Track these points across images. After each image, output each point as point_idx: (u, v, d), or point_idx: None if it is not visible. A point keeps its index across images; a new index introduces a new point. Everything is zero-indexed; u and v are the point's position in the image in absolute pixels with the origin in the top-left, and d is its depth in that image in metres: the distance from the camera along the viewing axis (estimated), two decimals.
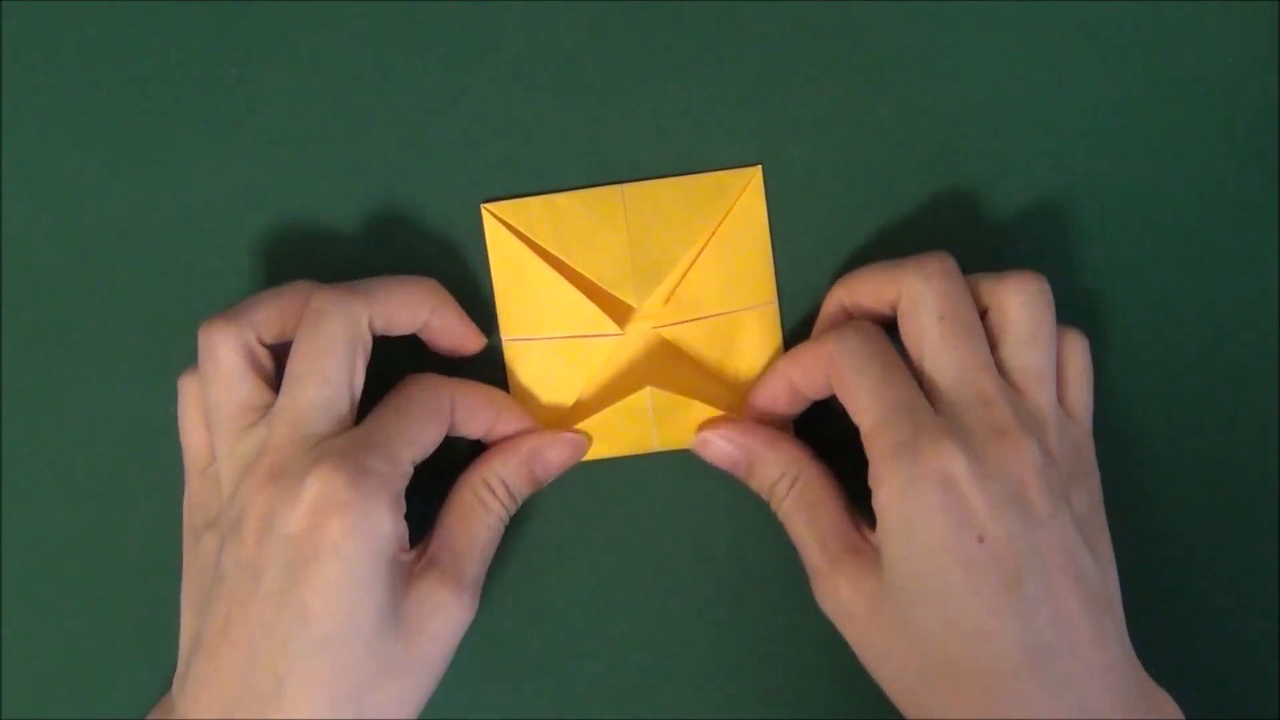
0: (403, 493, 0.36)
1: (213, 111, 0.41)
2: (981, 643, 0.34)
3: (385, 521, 0.35)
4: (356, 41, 0.41)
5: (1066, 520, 0.36)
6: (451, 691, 0.41)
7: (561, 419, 0.42)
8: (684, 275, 0.42)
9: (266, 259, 0.41)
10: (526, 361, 0.42)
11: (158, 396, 0.41)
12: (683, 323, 0.42)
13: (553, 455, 0.40)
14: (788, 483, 0.39)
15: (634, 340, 0.42)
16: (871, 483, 0.36)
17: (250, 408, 0.37)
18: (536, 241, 0.41)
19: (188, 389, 0.39)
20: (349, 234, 0.42)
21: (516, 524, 0.42)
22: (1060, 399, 0.39)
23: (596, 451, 0.42)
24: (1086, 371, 0.39)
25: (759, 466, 0.40)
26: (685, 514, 0.42)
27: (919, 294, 0.37)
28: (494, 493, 0.39)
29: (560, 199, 0.41)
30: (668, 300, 0.42)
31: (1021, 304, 0.38)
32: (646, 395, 0.41)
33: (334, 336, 0.36)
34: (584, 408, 0.42)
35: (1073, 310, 0.42)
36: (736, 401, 0.42)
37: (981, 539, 0.34)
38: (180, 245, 0.41)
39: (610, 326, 0.41)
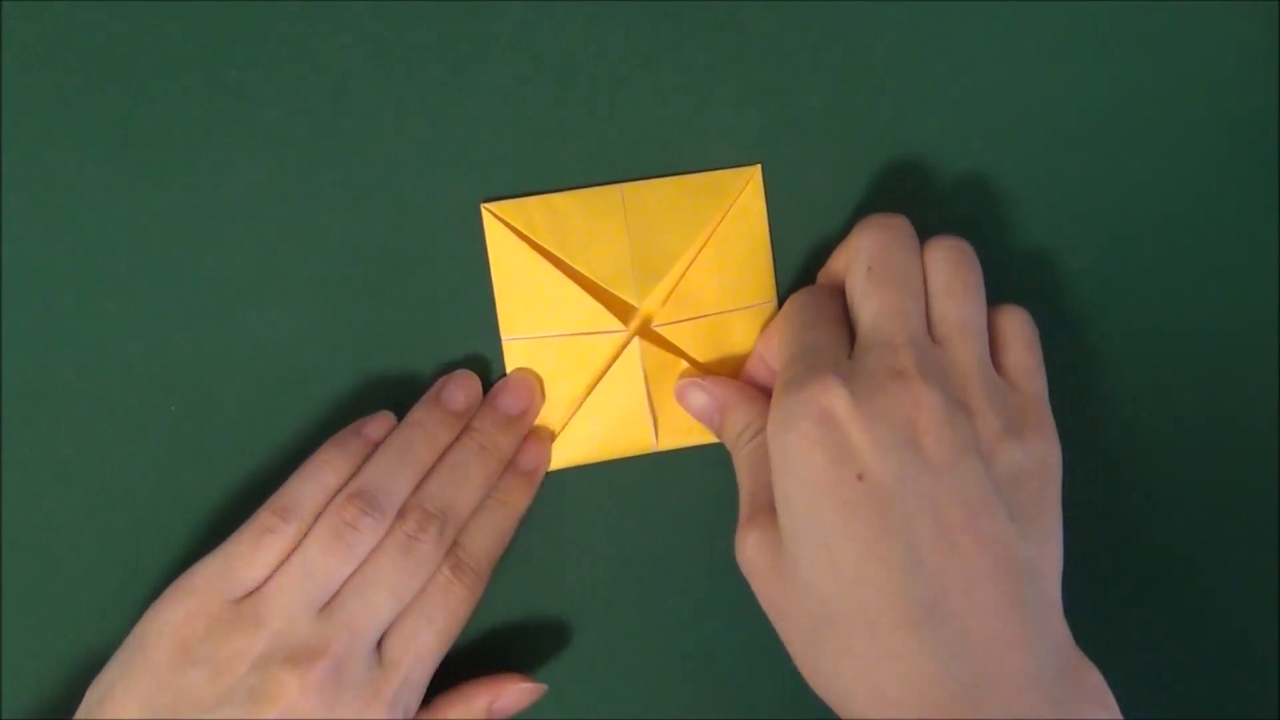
0: None
1: (213, 111, 0.41)
2: (862, 593, 0.33)
3: None
4: (356, 41, 0.41)
5: (973, 475, 0.34)
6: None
7: (561, 418, 0.42)
8: (684, 274, 0.42)
9: (266, 259, 0.41)
10: (526, 360, 0.42)
11: (158, 396, 0.41)
12: (682, 321, 0.42)
13: (507, 703, 0.40)
14: (750, 433, 0.39)
15: (633, 341, 0.42)
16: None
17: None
18: (536, 241, 0.41)
19: (326, 465, 0.39)
20: (349, 234, 0.42)
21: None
22: (999, 365, 0.38)
23: (597, 453, 0.42)
24: (1026, 338, 0.38)
25: (729, 416, 0.40)
26: (685, 514, 0.42)
27: (856, 246, 0.38)
28: None
29: (560, 198, 0.41)
30: (667, 299, 0.41)
31: (939, 258, 0.38)
32: (636, 348, 0.41)
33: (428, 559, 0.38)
34: (584, 406, 0.42)
35: (1073, 310, 0.42)
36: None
37: (861, 477, 0.33)
38: (180, 245, 0.41)
39: (611, 323, 0.41)
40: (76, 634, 0.41)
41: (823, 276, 0.41)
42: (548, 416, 0.42)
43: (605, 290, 0.41)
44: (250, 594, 0.37)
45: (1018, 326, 0.38)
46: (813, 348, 0.36)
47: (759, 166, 0.42)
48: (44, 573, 0.41)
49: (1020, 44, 0.42)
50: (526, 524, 0.42)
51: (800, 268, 0.42)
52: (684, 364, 0.42)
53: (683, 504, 0.42)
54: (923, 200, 0.42)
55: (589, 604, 0.42)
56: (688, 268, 0.42)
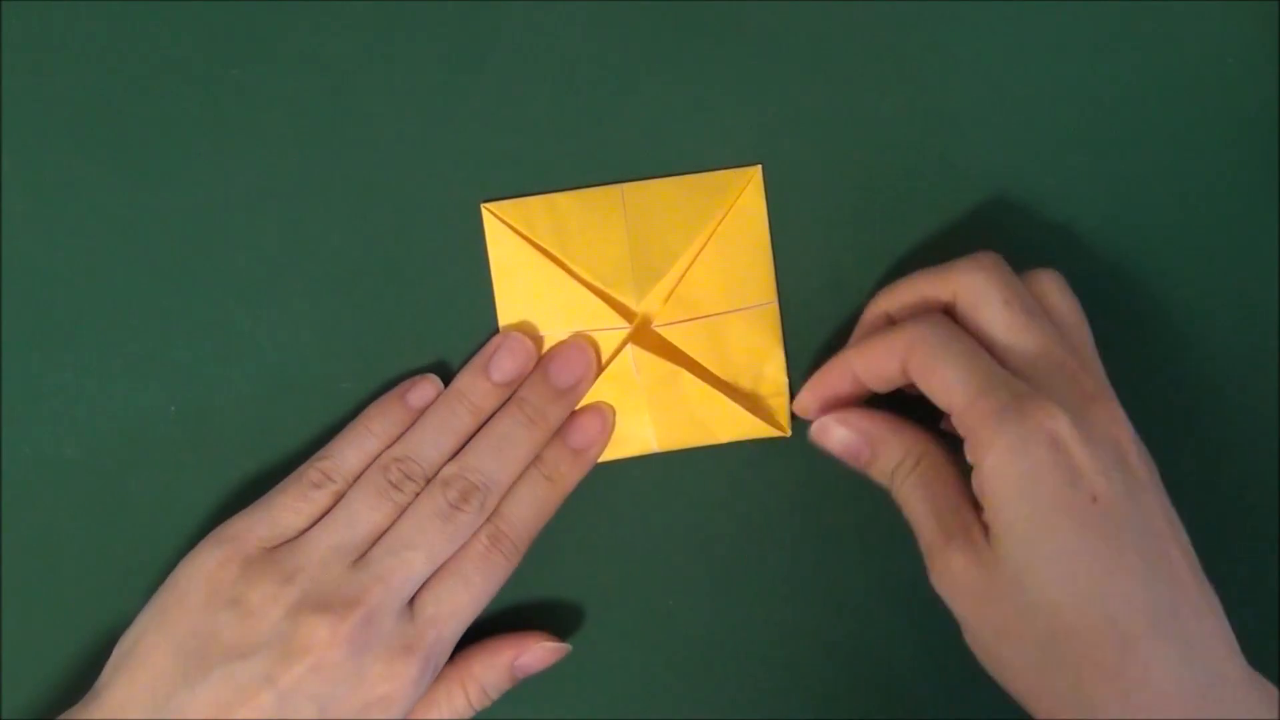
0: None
1: (213, 111, 0.41)
2: (1107, 605, 0.33)
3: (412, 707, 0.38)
4: (356, 41, 0.41)
5: (1162, 487, 0.36)
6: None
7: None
8: (684, 274, 0.42)
9: (267, 259, 0.41)
10: None
11: (158, 396, 0.41)
12: (682, 322, 0.42)
13: (531, 660, 0.41)
14: (911, 463, 0.38)
15: (633, 339, 0.42)
16: (973, 454, 0.35)
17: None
18: (536, 241, 0.41)
19: (368, 432, 0.40)
20: (349, 234, 0.42)
21: None
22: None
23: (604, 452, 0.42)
24: (1080, 313, 0.39)
25: (882, 450, 0.39)
26: (685, 514, 0.42)
27: (981, 286, 0.37)
28: (468, 696, 0.40)
29: (560, 198, 0.41)
30: (667, 299, 0.42)
31: (1058, 293, 0.39)
32: (634, 349, 0.41)
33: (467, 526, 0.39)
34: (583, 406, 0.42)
35: None
36: (736, 399, 0.42)
37: (1095, 499, 0.34)
38: (180, 245, 0.41)
39: (611, 323, 0.41)
40: (76, 634, 0.41)
41: (872, 314, 0.40)
42: None
43: (605, 291, 0.41)
44: (286, 543, 0.38)
45: (1066, 300, 0.39)
46: (1001, 377, 0.36)
47: (759, 167, 0.42)
48: (44, 572, 0.41)
49: (1021, 44, 0.42)
50: None
51: (800, 268, 0.42)
52: (683, 364, 0.42)
53: (682, 504, 0.42)
54: (922, 200, 0.42)
55: (589, 604, 0.42)
56: (688, 268, 0.42)
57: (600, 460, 0.42)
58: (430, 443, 0.39)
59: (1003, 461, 0.35)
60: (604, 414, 0.41)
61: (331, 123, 0.41)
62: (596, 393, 0.42)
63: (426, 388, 0.40)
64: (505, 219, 0.41)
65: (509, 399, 0.40)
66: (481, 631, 0.41)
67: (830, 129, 0.42)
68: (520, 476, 0.40)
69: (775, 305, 0.42)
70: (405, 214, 0.42)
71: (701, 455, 0.42)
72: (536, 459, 0.40)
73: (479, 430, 0.40)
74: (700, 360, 0.42)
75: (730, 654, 0.42)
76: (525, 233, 0.41)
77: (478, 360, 0.41)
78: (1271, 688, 0.35)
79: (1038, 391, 0.35)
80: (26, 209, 0.41)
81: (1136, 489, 0.35)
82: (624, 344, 0.41)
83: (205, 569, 0.37)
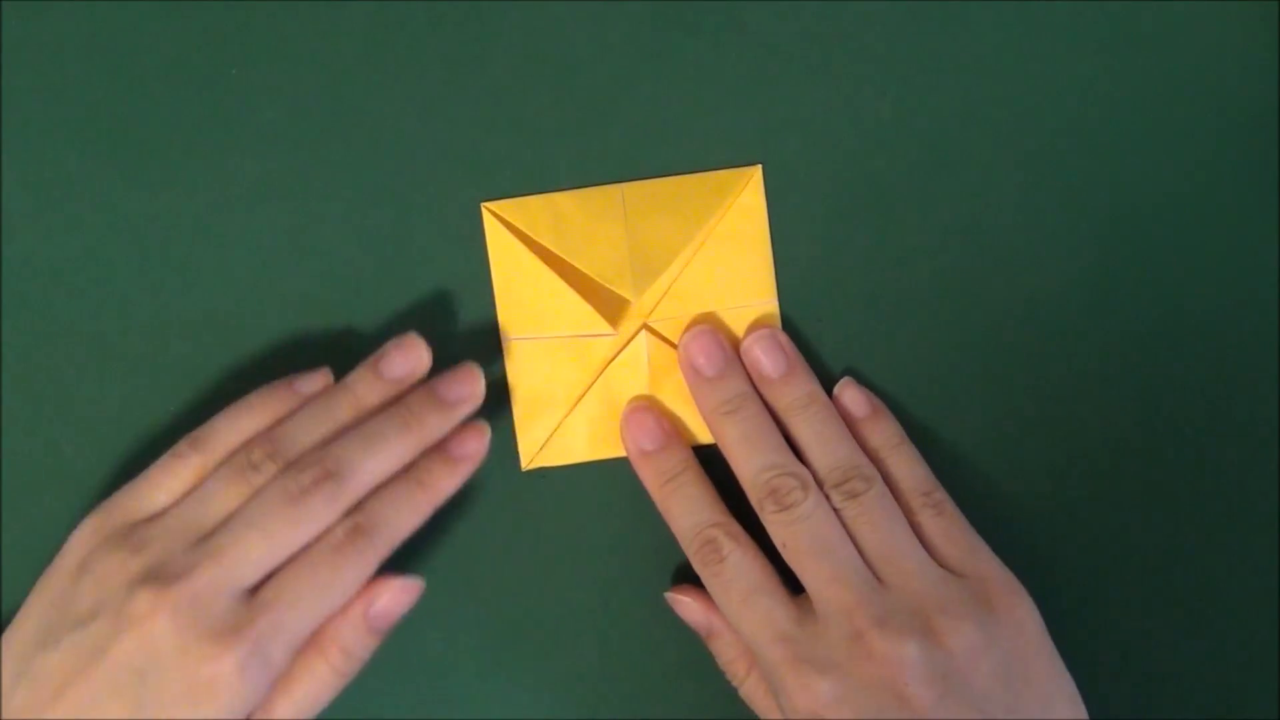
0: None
1: (213, 111, 0.41)
2: None
3: (250, 704, 0.36)
4: (356, 41, 0.41)
5: (961, 702, 0.36)
6: (452, 691, 0.41)
7: (560, 416, 0.42)
8: (683, 274, 0.42)
9: (267, 259, 0.41)
10: (527, 360, 0.42)
11: (158, 396, 0.41)
12: (682, 320, 0.42)
13: (385, 605, 0.38)
14: (744, 667, 0.41)
15: (636, 339, 0.42)
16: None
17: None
18: (537, 240, 0.41)
19: (248, 409, 0.39)
20: (349, 234, 0.42)
21: (516, 525, 0.42)
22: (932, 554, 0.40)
23: (596, 452, 0.42)
24: (955, 521, 0.40)
25: (718, 641, 0.41)
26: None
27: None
28: (329, 661, 0.37)
29: (560, 198, 0.41)
30: (667, 299, 0.42)
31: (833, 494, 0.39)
32: (636, 347, 0.41)
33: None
34: (584, 405, 0.42)
35: (1073, 310, 0.42)
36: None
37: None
38: (180, 245, 0.41)
39: (612, 322, 0.41)
40: None
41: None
42: (548, 415, 0.42)
43: (605, 288, 0.41)
44: (148, 517, 0.38)
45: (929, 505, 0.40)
46: (782, 630, 0.37)
47: (759, 166, 0.42)
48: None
49: (1020, 44, 0.42)
50: (526, 524, 0.42)
51: (800, 268, 0.42)
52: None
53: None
54: (922, 200, 0.42)
55: (588, 603, 0.42)
56: (687, 267, 0.42)
57: (600, 460, 0.42)
58: (303, 429, 0.38)
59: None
60: (483, 431, 0.40)
61: (331, 123, 0.41)
62: (597, 390, 0.42)
63: (316, 378, 0.40)
64: (505, 218, 0.41)
65: (391, 401, 0.39)
66: (479, 637, 0.41)
67: (830, 129, 0.42)
68: (395, 478, 0.38)
69: (775, 305, 0.42)
70: (405, 214, 0.42)
71: (701, 455, 0.42)
72: (414, 465, 0.39)
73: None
74: None
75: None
76: (525, 232, 0.41)
77: (371, 358, 0.40)
78: None
79: (803, 655, 0.37)
80: (26, 209, 0.41)
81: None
82: (625, 344, 0.41)
83: (79, 537, 0.38)
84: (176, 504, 0.38)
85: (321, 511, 0.37)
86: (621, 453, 0.42)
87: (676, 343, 0.42)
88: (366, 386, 0.39)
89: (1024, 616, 0.38)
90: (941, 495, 0.40)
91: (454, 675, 0.42)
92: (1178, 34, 0.42)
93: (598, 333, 0.41)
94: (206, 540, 0.37)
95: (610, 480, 0.42)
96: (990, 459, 0.42)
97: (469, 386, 0.40)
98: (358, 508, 0.37)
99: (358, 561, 0.37)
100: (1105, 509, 0.42)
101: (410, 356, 0.40)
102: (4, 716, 0.36)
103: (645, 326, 0.42)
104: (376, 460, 0.38)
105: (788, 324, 0.42)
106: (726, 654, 0.41)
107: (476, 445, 0.40)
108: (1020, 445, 0.42)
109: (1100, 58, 0.42)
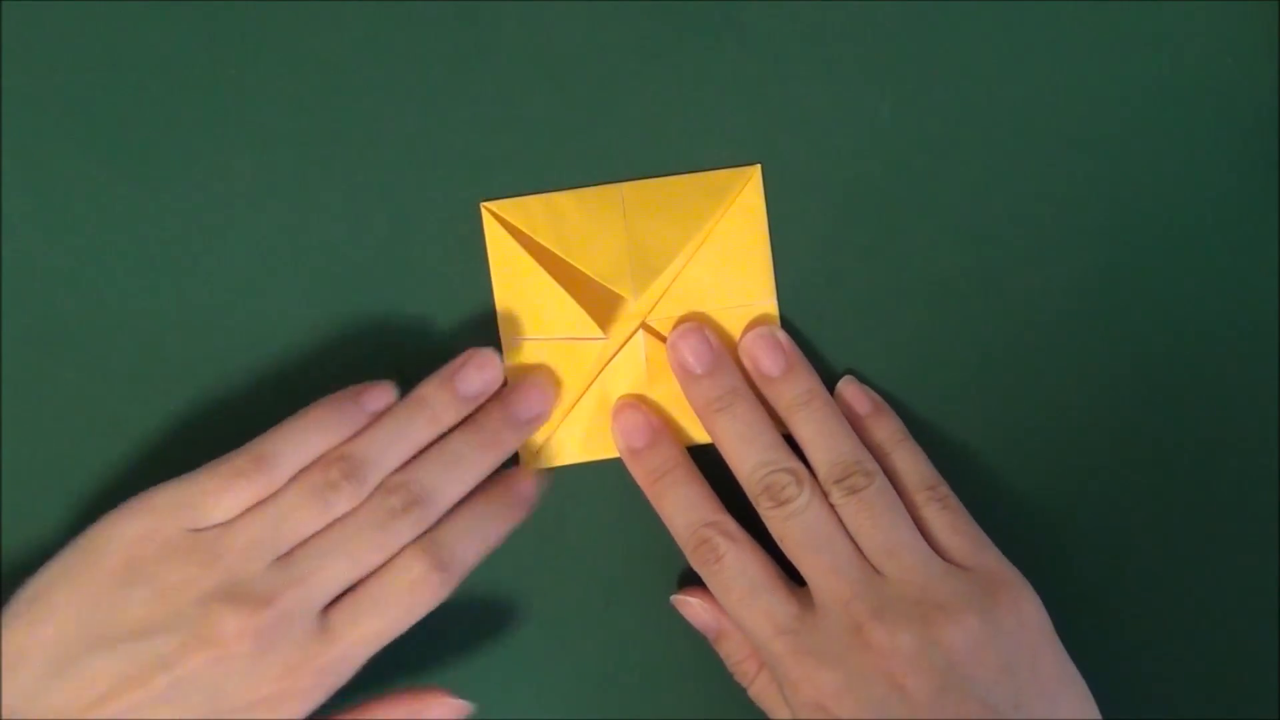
0: None
1: (213, 111, 0.41)
2: None
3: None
4: (356, 41, 0.41)
5: (962, 697, 0.36)
6: (453, 691, 0.41)
7: (560, 416, 0.42)
8: (683, 274, 0.42)
9: (267, 258, 0.41)
10: (526, 360, 0.42)
11: (157, 396, 0.41)
12: (681, 321, 0.42)
13: (433, 716, 0.39)
14: (753, 667, 0.41)
15: (633, 339, 0.42)
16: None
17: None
18: (536, 240, 0.41)
19: (314, 426, 0.38)
20: (348, 234, 0.42)
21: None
22: (935, 548, 0.40)
23: (596, 452, 0.42)
24: (959, 515, 0.40)
25: (725, 642, 0.41)
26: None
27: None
28: None
29: (560, 197, 0.41)
30: (667, 298, 0.42)
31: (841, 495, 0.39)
32: (635, 347, 0.41)
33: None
34: (582, 406, 0.42)
35: (1073, 310, 0.42)
36: None
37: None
38: (180, 245, 0.41)
39: (612, 319, 0.41)
40: None
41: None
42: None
43: (604, 287, 0.41)
44: (211, 529, 0.37)
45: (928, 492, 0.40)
46: (782, 624, 0.38)
47: (759, 166, 0.42)
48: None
49: (1020, 44, 0.42)
50: (526, 525, 0.42)
51: (799, 268, 0.42)
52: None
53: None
54: (922, 201, 0.42)
55: (588, 603, 0.42)
56: (686, 267, 0.42)
57: (600, 459, 0.42)
58: (381, 449, 0.38)
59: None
60: (536, 473, 0.41)
61: (331, 123, 0.41)
62: (596, 390, 0.42)
63: (382, 393, 0.39)
64: (505, 218, 0.41)
65: (466, 420, 0.40)
66: (479, 637, 0.41)
67: (830, 128, 0.42)
68: (465, 505, 0.39)
69: (774, 304, 0.42)
70: (405, 214, 0.42)
71: (701, 455, 0.42)
72: (484, 495, 0.39)
73: (431, 445, 0.39)
74: None
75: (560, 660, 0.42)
76: (525, 232, 0.41)
77: (444, 371, 0.40)
78: None
79: (804, 647, 0.37)
80: (26, 209, 0.41)
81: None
82: (624, 343, 0.42)
83: (125, 538, 0.37)
84: (243, 519, 0.37)
85: (406, 537, 0.37)
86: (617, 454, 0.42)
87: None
88: (444, 406, 0.39)
89: (1029, 611, 0.38)
90: (945, 490, 0.40)
91: (455, 675, 0.42)
92: (1178, 34, 0.42)
93: (596, 334, 0.41)
94: (288, 562, 0.37)
95: (610, 481, 0.42)
96: (990, 458, 0.42)
97: (541, 402, 0.41)
98: (436, 535, 0.38)
99: (433, 599, 0.37)
100: (1106, 508, 0.42)
101: (485, 373, 0.40)
102: (36, 716, 0.35)
103: (644, 326, 0.42)
104: (460, 485, 0.38)
105: (787, 324, 0.42)
106: (735, 654, 0.41)
107: (535, 484, 0.41)
108: (1020, 444, 0.42)
109: (1100, 58, 0.42)
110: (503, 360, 0.42)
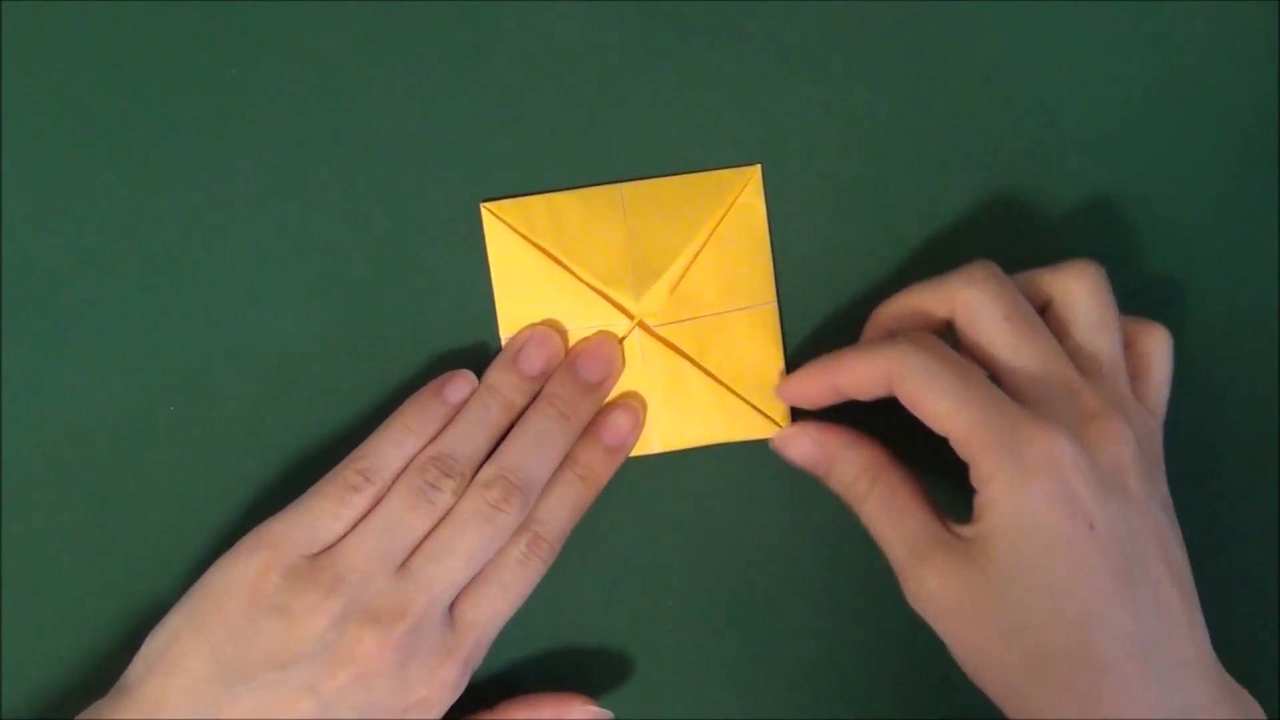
0: None
1: (213, 111, 0.41)
2: (1088, 631, 0.34)
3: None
4: (356, 41, 0.41)
5: (1157, 505, 0.36)
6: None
7: None
8: (683, 274, 0.42)
9: (266, 259, 0.41)
10: None
11: (158, 396, 0.41)
12: (682, 321, 0.42)
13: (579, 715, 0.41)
14: (866, 483, 0.38)
15: (633, 339, 0.42)
16: (976, 482, 0.35)
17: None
18: (536, 240, 0.41)
19: (407, 429, 0.39)
20: (348, 234, 0.42)
21: None
22: (1138, 391, 0.39)
23: None
24: (1167, 366, 0.39)
25: (838, 465, 0.39)
26: (685, 514, 0.42)
27: (977, 301, 0.37)
28: None
29: (559, 198, 0.41)
30: (666, 299, 0.42)
31: (1089, 292, 0.38)
32: (634, 348, 0.41)
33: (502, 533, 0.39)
34: None
35: None
36: (734, 398, 0.42)
37: (1092, 527, 0.34)
38: (180, 245, 0.41)
39: (613, 319, 0.41)
40: (76, 634, 0.41)
41: (873, 331, 0.40)
42: None
43: (604, 291, 0.41)
44: (326, 550, 0.38)
45: (1162, 351, 0.39)
46: (997, 404, 0.35)
47: (759, 166, 0.42)
48: (44, 573, 0.41)
49: (1020, 44, 0.42)
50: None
51: (800, 268, 0.42)
52: (683, 364, 0.42)
53: (682, 503, 0.42)
54: (922, 200, 0.42)
55: (588, 603, 0.42)
56: (687, 267, 0.42)
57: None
58: (466, 440, 0.39)
59: (1004, 494, 0.35)
60: (635, 410, 0.41)
61: (331, 123, 0.41)
62: None
63: (462, 382, 0.40)
64: (504, 218, 0.41)
65: (538, 395, 0.40)
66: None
67: (830, 128, 0.42)
68: (554, 477, 0.40)
69: (774, 305, 0.42)
70: (405, 214, 0.42)
71: (702, 455, 0.42)
72: (569, 459, 0.40)
73: (512, 427, 0.40)
74: (699, 360, 0.42)
75: (730, 653, 0.42)
76: (524, 232, 0.41)
77: (505, 355, 0.41)
78: (1252, 704, 0.35)
79: (1038, 416, 0.35)
80: (27, 209, 0.41)
81: (1132, 513, 0.35)
82: (630, 332, 0.41)
83: (245, 575, 0.37)
84: (354, 536, 0.38)
85: (512, 524, 0.39)
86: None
87: (674, 347, 0.42)
88: (513, 389, 0.40)
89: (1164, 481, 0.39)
90: None
91: None
92: (1178, 34, 0.42)
93: (602, 326, 0.41)
94: (408, 570, 0.38)
95: (609, 480, 0.42)
96: None
97: (607, 361, 0.41)
98: (531, 513, 0.39)
99: (540, 570, 0.39)
100: None
101: (547, 348, 0.41)
102: None
103: (643, 326, 0.42)
104: (549, 461, 0.40)
105: (787, 323, 0.42)
106: (847, 475, 0.39)
107: (630, 426, 0.41)
108: None
109: (1100, 58, 0.42)
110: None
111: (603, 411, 0.41)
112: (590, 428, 0.41)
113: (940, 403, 0.36)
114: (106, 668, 0.41)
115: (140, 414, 0.41)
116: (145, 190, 0.41)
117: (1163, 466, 0.38)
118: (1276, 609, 0.42)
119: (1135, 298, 0.42)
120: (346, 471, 0.38)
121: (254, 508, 0.41)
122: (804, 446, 0.40)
